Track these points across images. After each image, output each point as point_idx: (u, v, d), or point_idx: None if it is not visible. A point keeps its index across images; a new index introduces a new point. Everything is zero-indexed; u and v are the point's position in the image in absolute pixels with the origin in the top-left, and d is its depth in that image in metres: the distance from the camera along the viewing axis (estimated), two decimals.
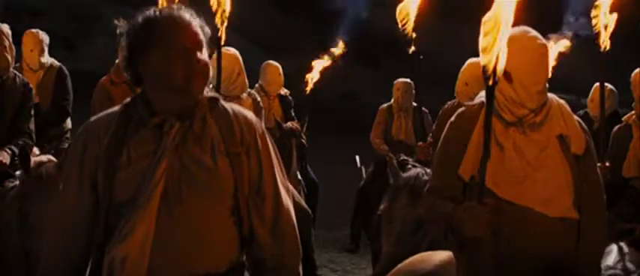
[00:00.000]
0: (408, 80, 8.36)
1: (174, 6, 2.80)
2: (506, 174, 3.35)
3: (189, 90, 2.73)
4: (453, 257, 3.63)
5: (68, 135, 7.10)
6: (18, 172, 4.78)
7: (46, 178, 4.49)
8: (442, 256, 3.82)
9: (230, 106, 2.88)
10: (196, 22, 2.77)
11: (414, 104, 8.36)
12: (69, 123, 7.20)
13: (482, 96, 3.48)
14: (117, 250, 2.66)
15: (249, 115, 2.91)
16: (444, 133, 3.56)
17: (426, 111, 8.00)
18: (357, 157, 8.56)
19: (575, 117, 3.57)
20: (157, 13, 2.78)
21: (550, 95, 3.50)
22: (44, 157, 4.73)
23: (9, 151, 5.10)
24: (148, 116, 2.76)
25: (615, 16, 5.24)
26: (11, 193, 4.71)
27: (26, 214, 4.45)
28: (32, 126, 5.43)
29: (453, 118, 3.55)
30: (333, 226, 9.80)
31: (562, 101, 3.56)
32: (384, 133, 8.55)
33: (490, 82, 3.15)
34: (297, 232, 2.93)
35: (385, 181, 6.25)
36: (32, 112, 5.48)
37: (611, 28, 5.29)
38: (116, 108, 2.85)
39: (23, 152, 4.68)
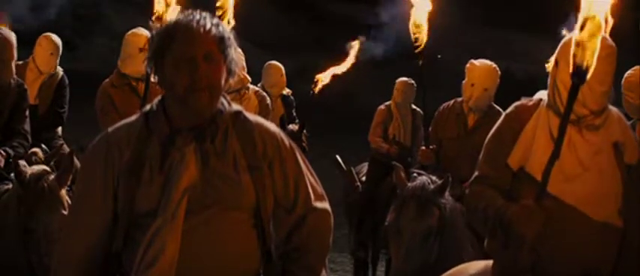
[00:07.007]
0: (409, 80, 8.30)
1: (196, 13, 2.73)
2: (556, 170, 3.32)
3: (190, 103, 2.69)
4: (489, 266, 3.60)
5: (59, 138, 7.11)
6: (13, 175, 4.67)
7: (48, 192, 4.42)
8: (478, 266, 3.80)
9: (254, 119, 2.86)
10: (215, 31, 2.71)
11: (413, 107, 8.34)
12: (59, 129, 7.26)
13: (542, 94, 3.55)
14: (149, 274, 2.64)
15: (272, 127, 2.89)
16: (497, 124, 3.60)
17: (420, 112, 7.97)
18: (338, 158, 8.47)
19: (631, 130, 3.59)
20: (177, 20, 2.73)
21: (610, 106, 3.53)
22: (40, 167, 4.65)
23: (4, 154, 5.04)
24: (167, 132, 2.73)
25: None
26: (4, 197, 4.65)
27: (31, 231, 4.38)
28: (27, 127, 5.39)
29: (509, 110, 3.59)
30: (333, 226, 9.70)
31: (621, 114, 3.59)
32: (383, 133, 8.48)
33: (576, 80, 3.17)
34: (329, 241, 2.95)
35: (390, 185, 6.21)
36: (27, 113, 5.45)
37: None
38: (136, 117, 2.81)
39: (15, 164, 4.57)
